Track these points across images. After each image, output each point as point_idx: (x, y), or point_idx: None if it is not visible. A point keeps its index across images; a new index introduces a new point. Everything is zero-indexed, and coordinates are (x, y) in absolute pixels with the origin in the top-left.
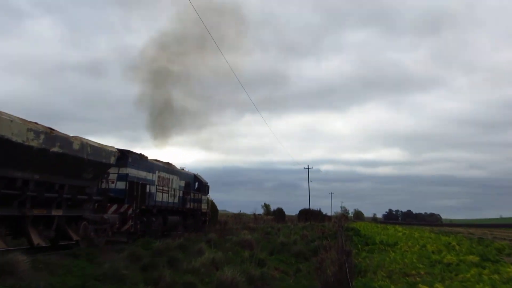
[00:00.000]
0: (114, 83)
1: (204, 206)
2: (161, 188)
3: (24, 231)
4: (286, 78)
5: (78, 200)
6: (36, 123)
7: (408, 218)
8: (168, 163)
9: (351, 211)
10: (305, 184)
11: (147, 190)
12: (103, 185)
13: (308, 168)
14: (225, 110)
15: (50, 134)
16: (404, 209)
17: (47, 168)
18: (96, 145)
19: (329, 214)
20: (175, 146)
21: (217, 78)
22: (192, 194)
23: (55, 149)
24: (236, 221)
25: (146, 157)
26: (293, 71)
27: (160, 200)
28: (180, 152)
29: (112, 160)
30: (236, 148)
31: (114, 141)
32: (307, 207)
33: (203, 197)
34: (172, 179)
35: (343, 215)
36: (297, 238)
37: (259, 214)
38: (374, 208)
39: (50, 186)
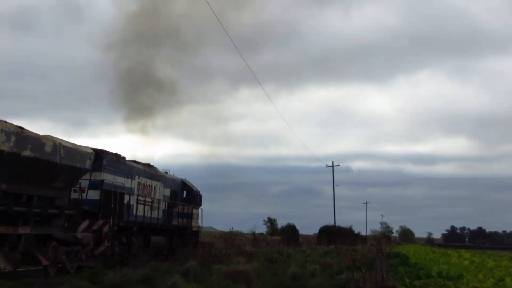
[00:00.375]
0: (49, 41)
1: (195, 223)
2: (142, 198)
3: None
4: (301, 35)
5: (47, 215)
6: (6, 122)
7: (480, 240)
8: (149, 166)
9: (395, 229)
10: (329, 190)
11: (126, 201)
12: (73, 196)
13: (332, 166)
14: (212, 81)
15: (21, 135)
16: (473, 227)
17: (16, 176)
18: (70, 145)
19: (363, 233)
20: (134, 134)
21: (200, 34)
22: (179, 207)
23: (27, 153)
24: (226, 243)
25: (124, 158)
26: (311, 25)
27: (142, 214)
28: (143, 142)
29: (88, 164)
30: (227, 136)
31: (49, 126)
32: (331, 223)
33: (194, 210)
34: (154, 187)
35: (384, 235)
36: (316, 268)
37: (261, 234)
38: (429, 225)
39: (17, 197)
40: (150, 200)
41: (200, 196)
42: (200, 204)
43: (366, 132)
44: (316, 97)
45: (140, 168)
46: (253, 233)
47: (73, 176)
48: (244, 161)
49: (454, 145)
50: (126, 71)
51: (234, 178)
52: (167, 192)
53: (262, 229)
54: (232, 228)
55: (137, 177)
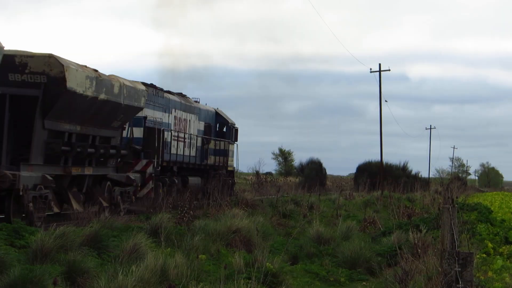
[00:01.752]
0: None
1: (230, 161)
2: (179, 135)
3: (63, 194)
4: None
5: (103, 156)
6: (86, 66)
7: None
8: (182, 95)
9: (474, 168)
10: (373, 108)
11: (164, 138)
12: (124, 134)
13: (380, 71)
14: None
15: (99, 79)
16: None
17: (89, 118)
18: (129, 84)
19: (424, 174)
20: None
21: None
22: (213, 143)
23: (102, 96)
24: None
25: (162, 90)
26: None
27: (181, 153)
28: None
29: (143, 102)
30: (216, 24)
31: None
32: (376, 158)
33: (230, 146)
34: (189, 121)
35: (457, 177)
36: (352, 225)
37: (268, 174)
38: None
39: (84, 138)
40: (186, 136)
41: (236, 130)
42: (236, 139)
43: (431, 19)
44: None
45: (176, 100)
46: (257, 173)
47: (129, 115)
48: (243, 63)
49: None
50: None
51: (225, 89)
52: (201, 126)
53: (271, 166)
54: None
55: (173, 110)
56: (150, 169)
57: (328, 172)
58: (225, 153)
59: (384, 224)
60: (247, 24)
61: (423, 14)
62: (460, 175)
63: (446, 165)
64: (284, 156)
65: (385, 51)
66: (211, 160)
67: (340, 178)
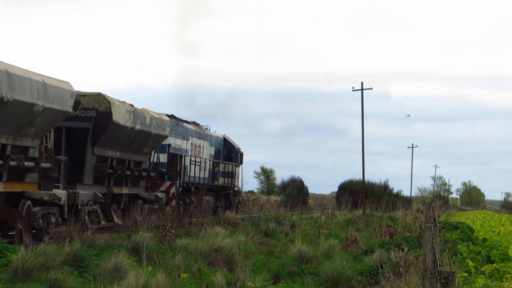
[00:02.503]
0: None
1: (237, 182)
2: (194, 159)
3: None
4: None
5: (137, 177)
6: (124, 102)
7: None
8: (196, 124)
9: (455, 187)
10: (354, 127)
11: (184, 163)
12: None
13: (362, 90)
14: None
15: (135, 112)
16: None
17: (126, 145)
18: (157, 116)
19: (406, 193)
20: None
21: None
22: (222, 166)
23: (138, 126)
24: (197, 205)
25: (181, 120)
26: None
27: (198, 175)
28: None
29: (167, 131)
30: (202, 43)
31: None
32: (358, 176)
33: (236, 169)
34: (203, 146)
35: (439, 195)
36: (334, 244)
37: (250, 192)
38: (507, 182)
39: (122, 163)
40: (201, 160)
41: (241, 154)
42: (241, 162)
43: (413, 38)
44: None
45: (192, 129)
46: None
47: (157, 142)
48: (227, 81)
49: None
50: None
51: (209, 108)
52: (212, 151)
53: (252, 185)
54: None
55: (190, 138)
56: (173, 190)
57: (310, 190)
58: (232, 175)
59: (366, 243)
60: (229, 42)
61: (406, 31)
62: (442, 193)
63: (428, 184)
64: (266, 174)
65: (368, 69)
66: (220, 181)
67: (322, 196)
